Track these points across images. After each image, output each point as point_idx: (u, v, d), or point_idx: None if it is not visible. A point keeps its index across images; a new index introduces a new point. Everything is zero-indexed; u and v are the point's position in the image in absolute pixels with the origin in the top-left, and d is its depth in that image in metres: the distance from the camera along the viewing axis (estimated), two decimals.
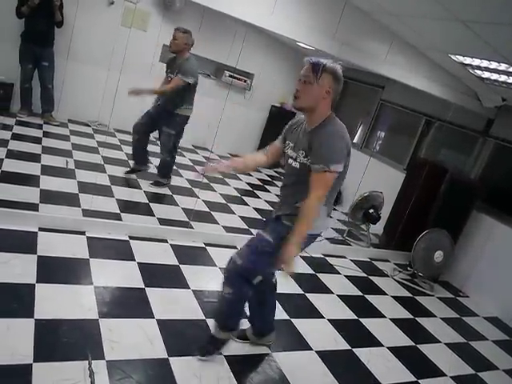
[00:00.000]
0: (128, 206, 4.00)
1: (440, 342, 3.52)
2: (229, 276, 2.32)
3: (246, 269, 2.26)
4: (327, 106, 2.14)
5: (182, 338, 2.54)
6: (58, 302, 2.49)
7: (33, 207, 3.39)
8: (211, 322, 2.72)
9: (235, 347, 2.61)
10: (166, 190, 4.71)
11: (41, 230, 3.13)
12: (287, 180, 2.33)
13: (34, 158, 4.39)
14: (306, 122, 2.22)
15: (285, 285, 3.11)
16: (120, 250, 3.26)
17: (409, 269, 4.67)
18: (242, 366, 2.50)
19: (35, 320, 2.29)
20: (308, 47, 5.11)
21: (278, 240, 2.21)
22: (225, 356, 2.50)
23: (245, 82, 6.89)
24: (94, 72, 5.85)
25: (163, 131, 4.63)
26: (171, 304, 2.81)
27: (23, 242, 2.94)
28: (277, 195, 5.98)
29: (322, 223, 2.31)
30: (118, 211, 3.83)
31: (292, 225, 2.15)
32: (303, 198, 2.11)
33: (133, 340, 2.39)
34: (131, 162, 4.80)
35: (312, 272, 3.93)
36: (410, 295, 4.23)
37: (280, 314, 3.01)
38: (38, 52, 5.33)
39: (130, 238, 3.46)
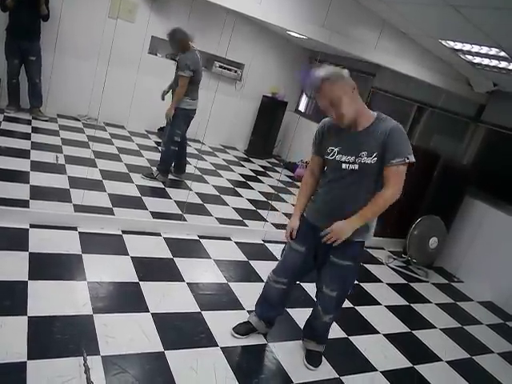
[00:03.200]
0: (120, 200, 3.97)
1: (435, 327, 3.55)
2: (327, 307, 2.46)
3: (341, 297, 2.45)
4: (361, 103, 2.15)
5: (177, 331, 2.53)
6: (52, 299, 2.46)
7: (23, 204, 3.35)
8: (206, 315, 2.73)
9: (230, 338, 2.60)
10: (158, 184, 4.67)
11: (32, 226, 3.10)
12: (339, 185, 2.23)
13: (23, 153, 4.34)
14: (352, 126, 2.18)
15: None
16: (113, 245, 3.24)
17: (403, 256, 4.69)
18: (238, 357, 2.50)
19: (28, 317, 2.27)
20: (298, 36, 5.07)
21: (357, 260, 2.36)
22: (221, 348, 2.49)
23: (235, 72, 6.84)
24: (81, 65, 5.78)
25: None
26: (166, 297, 2.80)
27: (14, 239, 2.91)
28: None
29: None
30: (110, 205, 3.80)
31: (363, 240, 2.29)
32: (364, 205, 2.16)
33: (128, 334, 2.37)
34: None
35: None
36: (404, 282, 4.25)
37: None
38: (24, 46, 5.24)
39: (123, 232, 3.43)
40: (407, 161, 2.10)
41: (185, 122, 4.64)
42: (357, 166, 2.15)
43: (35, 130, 5.16)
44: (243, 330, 2.65)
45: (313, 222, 2.35)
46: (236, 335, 2.62)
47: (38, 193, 3.61)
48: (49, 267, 2.74)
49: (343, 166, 2.18)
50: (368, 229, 2.27)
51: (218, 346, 2.50)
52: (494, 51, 3.64)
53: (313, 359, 2.61)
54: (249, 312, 2.81)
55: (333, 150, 2.21)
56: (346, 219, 2.18)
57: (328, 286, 2.39)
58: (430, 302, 3.97)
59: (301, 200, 2.44)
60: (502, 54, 3.61)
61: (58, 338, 2.20)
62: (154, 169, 4.80)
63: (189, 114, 4.59)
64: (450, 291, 4.37)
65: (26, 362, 2.00)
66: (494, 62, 3.97)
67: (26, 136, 4.88)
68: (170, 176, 4.88)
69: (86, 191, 3.77)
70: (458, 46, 3.92)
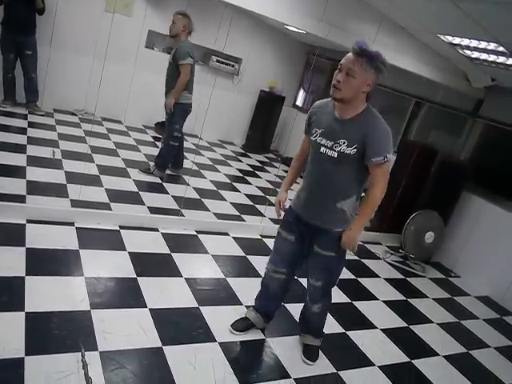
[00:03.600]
0: (117, 196, 3.95)
1: (432, 322, 3.56)
2: (314, 297, 2.52)
3: (327, 287, 2.49)
4: (364, 97, 2.16)
5: (175, 326, 2.53)
6: (49, 295, 2.46)
7: (20, 199, 3.33)
8: (204, 310, 2.73)
9: (228, 334, 2.60)
10: (155, 179, 4.66)
11: (29, 221, 3.08)
12: (318, 169, 2.27)
13: (19, 148, 4.31)
14: (337, 111, 2.21)
15: None
16: (110, 240, 3.23)
17: (400, 251, 4.70)
18: (236, 352, 2.50)
19: (26, 313, 2.26)
20: (296, 30, 5.05)
21: (340, 250, 2.33)
22: (219, 343, 2.49)
23: (233, 66, 6.81)
24: (78, 60, 5.74)
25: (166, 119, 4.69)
26: (164, 293, 2.79)
27: (11, 235, 2.89)
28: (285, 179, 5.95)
29: None
30: (108, 201, 3.79)
31: (343, 229, 2.28)
32: (343, 196, 2.23)
33: (126, 330, 2.37)
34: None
35: None
36: (402, 277, 4.26)
37: None
38: (19, 40, 5.20)
39: (121, 227, 3.42)
40: (385, 160, 2.12)
41: (182, 117, 4.62)
42: (335, 154, 2.16)
43: (31, 124, 5.13)
44: (241, 326, 2.65)
45: (297, 212, 2.40)
46: (234, 332, 2.62)
47: (35, 188, 3.59)
48: (46, 263, 2.73)
49: (321, 149, 2.21)
50: (346, 219, 2.28)
51: (216, 341, 2.50)
52: (492, 46, 3.63)
53: (310, 353, 2.62)
54: (247, 307, 2.81)
55: (316, 131, 2.26)
56: (333, 215, 2.26)
57: (312, 276, 2.44)
58: (427, 297, 3.98)
59: (289, 176, 2.55)
60: (501, 48, 3.60)
61: (55, 333, 2.20)
62: (152, 164, 4.78)
63: (187, 108, 4.57)
64: (447, 286, 4.38)
65: (23, 358, 2.00)
66: (492, 57, 3.96)
67: (22, 131, 4.85)
68: (168, 171, 4.87)
69: (83, 186, 3.76)
70: (457, 40, 3.91)
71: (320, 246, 2.33)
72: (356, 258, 4.32)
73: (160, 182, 4.63)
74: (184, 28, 4.34)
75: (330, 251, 2.32)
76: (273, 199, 5.13)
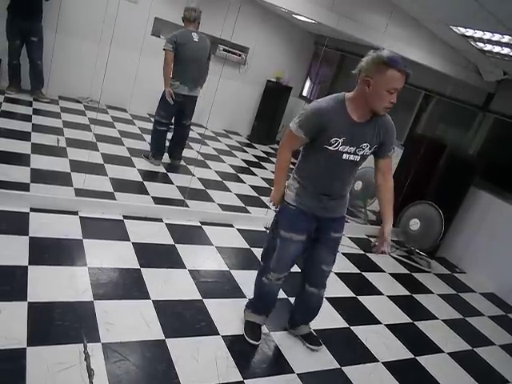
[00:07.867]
0: (122, 185, 3.93)
1: (437, 318, 3.53)
2: (323, 282, 2.54)
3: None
4: None
5: (178, 318, 2.51)
6: (52, 284, 2.44)
7: (23, 187, 3.31)
8: (208, 302, 2.71)
9: (232, 327, 2.58)
10: (160, 168, 4.62)
11: (32, 210, 3.06)
12: (338, 174, 2.25)
13: (23, 136, 4.28)
14: (353, 114, 2.12)
15: None
16: (114, 230, 3.21)
17: (406, 245, 4.65)
18: (239, 345, 2.48)
19: (28, 303, 2.24)
20: (305, 19, 4.96)
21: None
22: (222, 336, 2.47)
23: (240, 56, 6.73)
24: (84, 46, 5.68)
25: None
26: (167, 284, 2.77)
27: (14, 223, 2.87)
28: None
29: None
30: (112, 190, 3.76)
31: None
32: (350, 186, 2.39)
33: (129, 322, 2.35)
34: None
35: None
36: (407, 272, 4.22)
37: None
38: (25, 27, 5.15)
39: (125, 217, 3.40)
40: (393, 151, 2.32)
41: (168, 105, 4.48)
42: (358, 158, 2.21)
43: (36, 111, 5.10)
44: (258, 334, 2.57)
45: (314, 212, 2.32)
46: (255, 342, 2.52)
47: (39, 176, 3.57)
48: (49, 252, 2.71)
49: (344, 156, 2.17)
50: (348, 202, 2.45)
51: (219, 334, 2.48)
52: (506, 39, 3.54)
53: (313, 340, 2.65)
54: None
55: (337, 140, 2.12)
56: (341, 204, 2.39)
57: (325, 262, 2.46)
58: (432, 293, 3.95)
59: (284, 177, 2.45)
60: None
61: (58, 324, 2.18)
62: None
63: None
64: (453, 282, 4.34)
65: (25, 349, 1.98)
66: (505, 50, 3.87)
67: (27, 118, 4.81)
68: (168, 160, 4.85)
69: (88, 175, 3.73)
70: (470, 32, 3.82)
71: (334, 230, 2.43)
72: (361, 251, 4.29)
73: (165, 171, 4.60)
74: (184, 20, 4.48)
75: (340, 233, 2.46)
76: None
